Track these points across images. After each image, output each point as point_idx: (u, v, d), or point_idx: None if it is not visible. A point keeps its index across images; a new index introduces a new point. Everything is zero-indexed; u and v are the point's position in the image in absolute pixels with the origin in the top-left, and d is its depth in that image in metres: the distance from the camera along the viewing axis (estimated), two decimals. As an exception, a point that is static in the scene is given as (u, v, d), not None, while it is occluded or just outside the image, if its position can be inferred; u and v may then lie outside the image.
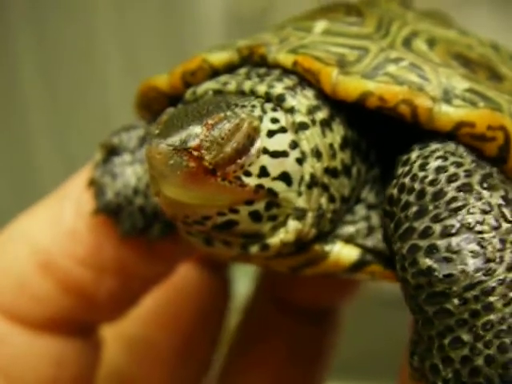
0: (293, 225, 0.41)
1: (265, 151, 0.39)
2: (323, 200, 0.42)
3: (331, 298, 0.68)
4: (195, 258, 0.63)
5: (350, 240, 0.43)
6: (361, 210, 0.44)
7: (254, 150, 0.38)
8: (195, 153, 0.36)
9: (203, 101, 0.42)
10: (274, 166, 0.39)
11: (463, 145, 0.41)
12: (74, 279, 0.49)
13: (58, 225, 0.49)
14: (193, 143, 0.36)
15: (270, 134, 0.40)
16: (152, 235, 0.48)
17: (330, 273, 0.45)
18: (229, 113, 0.38)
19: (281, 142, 0.40)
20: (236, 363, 0.67)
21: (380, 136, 0.45)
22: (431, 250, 0.35)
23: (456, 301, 0.34)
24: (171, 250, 0.51)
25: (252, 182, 0.39)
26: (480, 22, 1.59)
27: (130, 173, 0.47)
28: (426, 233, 0.36)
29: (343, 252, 0.43)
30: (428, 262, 0.35)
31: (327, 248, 0.43)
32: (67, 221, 0.49)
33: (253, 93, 0.42)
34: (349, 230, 0.43)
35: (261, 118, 0.40)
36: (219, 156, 0.37)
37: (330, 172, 0.42)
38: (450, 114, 0.40)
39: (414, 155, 0.40)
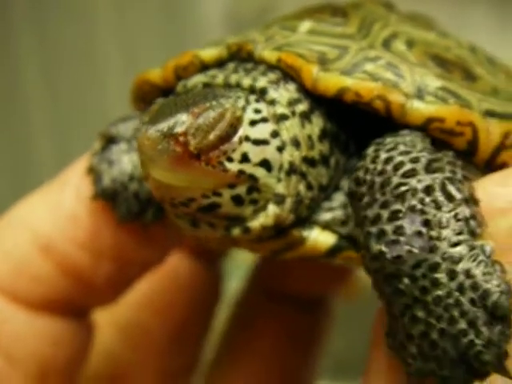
0: (272, 209, 0.43)
1: (247, 139, 0.42)
2: (301, 187, 0.44)
3: (323, 287, 0.70)
4: (189, 249, 0.65)
5: (326, 226, 0.46)
6: (339, 197, 0.47)
7: (236, 138, 0.42)
8: (181, 138, 0.39)
9: (192, 92, 0.45)
10: (255, 153, 0.42)
11: (432, 138, 0.44)
12: (73, 262, 0.51)
13: (58, 210, 0.52)
14: (179, 129, 0.39)
15: (252, 123, 0.43)
16: (146, 219, 0.51)
17: (308, 257, 0.47)
18: (214, 102, 0.41)
19: (262, 131, 0.43)
20: (228, 353, 0.69)
21: (359, 128, 0.48)
22: (380, 235, 0.37)
23: (406, 280, 0.36)
24: (165, 234, 0.53)
25: (234, 167, 0.42)
26: (476, 21, 1.59)
27: (126, 160, 0.51)
28: (375, 220, 0.38)
29: (320, 238, 0.46)
30: (378, 246, 0.37)
31: (305, 233, 0.46)
32: (67, 206, 0.51)
33: (238, 85, 0.45)
34: (326, 216, 0.46)
35: (244, 109, 0.43)
36: (203, 142, 0.40)
37: (308, 161, 0.45)
38: (421, 109, 0.43)
39: (370, 150, 0.42)
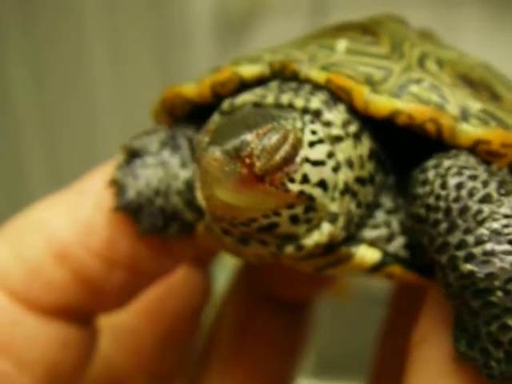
0: (326, 227, 0.44)
1: (307, 160, 0.43)
2: (352, 206, 0.46)
3: (307, 291, 0.71)
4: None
5: (373, 243, 0.47)
6: (381, 215, 0.48)
7: (298, 159, 0.42)
8: (247, 160, 0.40)
9: (246, 112, 0.46)
10: (314, 174, 0.43)
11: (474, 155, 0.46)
12: (87, 270, 0.51)
13: (76, 217, 0.51)
14: (245, 152, 0.40)
15: (311, 144, 0.44)
16: (169, 234, 0.51)
17: (350, 272, 0.49)
18: (275, 124, 0.42)
19: (320, 152, 0.44)
20: (215, 354, 0.70)
21: (391, 146, 0.50)
22: (469, 258, 0.40)
23: (500, 293, 0.39)
24: (182, 248, 0.54)
25: (295, 187, 0.42)
26: (470, 22, 1.59)
27: (151, 174, 0.51)
28: (461, 245, 0.40)
29: (367, 254, 0.47)
30: (468, 267, 0.40)
31: (352, 250, 0.47)
32: (85, 214, 0.51)
33: (290, 106, 0.46)
34: (372, 233, 0.48)
35: (302, 130, 0.44)
36: (268, 164, 0.40)
37: (360, 181, 0.46)
38: (469, 132, 0.45)
39: (431, 175, 0.44)
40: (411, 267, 0.48)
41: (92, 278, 0.51)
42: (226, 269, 0.89)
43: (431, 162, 0.45)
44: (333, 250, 0.46)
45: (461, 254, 0.40)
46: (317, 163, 0.44)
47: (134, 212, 0.50)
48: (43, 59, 1.54)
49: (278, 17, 1.70)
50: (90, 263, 0.51)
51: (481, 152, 0.46)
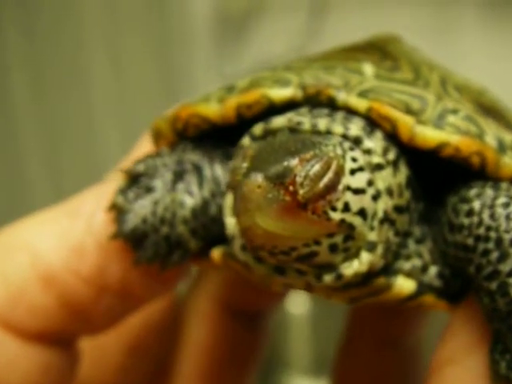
0: (365, 257, 0.44)
1: (348, 188, 0.42)
2: (390, 234, 0.45)
3: (267, 302, 0.70)
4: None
5: (409, 274, 0.47)
6: (411, 244, 0.48)
7: (340, 187, 0.42)
8: (291, 188, 0.39)
9: (284, 137, 0.44)
10: (355, 202, 0.42)
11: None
12: (74, 296, 0.49)
13: (65, 239, 0.49)
14: (289, 179, 0.39)
15: (352, 172, 0.43)
16: (170, 262, 0.50)
17: (384, 302, 0.49)
18: (317, 151, 0.41)
19: (360, 180, 0.43)
20: (177, 365, 0.69)
21: (418, 173, 0.49)
22: None
23: None
24: (175, 275, 0.53)
25: (337, 216, 0.41)
26: (466, 24, 1.59)
27: (156, 201, 0.49)
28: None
29: (404, 285, 0.46)
30: None
31: (391, 280, 0.46)
32: (75, 237, 0.49)
33: (328, 132, 0.45)
34: (408, 264, 0.47)
35: (343, 157, 0.43)
36: (311, 192, 0.40)
37: (398, 209, 0.46)
38: (510, 165, 0.46)
39: (476, 205, 0.44)
40: (443, 296, 0.48)
41: (79, 304, 0.49)
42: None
43: (473, 192, 0.45)
44: (369, 281, 0.46)
45: None
46: (357, 191, 0.43)
47: (137, 240, 0.48)
48: (43, 62, 1.54)
49: (278, 15, 1.70)
50: (78, 289, 0.49)
51: None
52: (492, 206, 0.44)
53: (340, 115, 0.46)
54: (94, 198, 0.50)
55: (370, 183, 0.44)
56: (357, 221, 0.43)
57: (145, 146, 0.62)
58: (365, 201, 0.43)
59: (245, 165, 0.41)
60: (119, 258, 0.49)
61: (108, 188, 0.51)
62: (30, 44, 1.50)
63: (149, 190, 0.49)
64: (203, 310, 0.69)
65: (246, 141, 0.46)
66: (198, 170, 0.50)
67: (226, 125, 0.49)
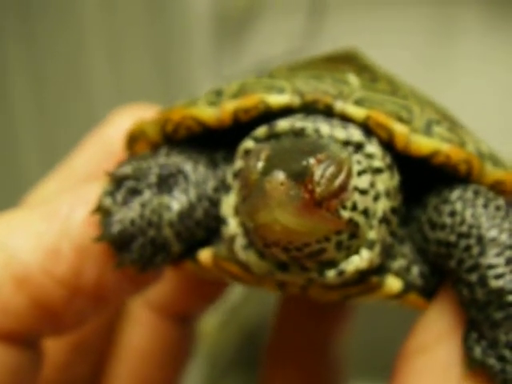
0: (366, 254, 0.46)
1: (356, 188, 0.45)
2: (386, 234, 0.48)
3: (199, 305, 0.71)
4: None
5: (397, 273, 0.50)
6: (396, 245, 0.51)
7: (350, 187, 0.44)
8: (309, 186, 0.41)
9: (293, 140, 0.47)
10: (361, 202, 0.45)
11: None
12: (47, 297, 0.49)
13: (41, 240, 0.49)
14: (308, 177, 0.41)
15: (359, 173, 0.46)
16: (154, 265, 0.50)
17: (374, 300, 0.51)
18: (330, 153, 0.44)
19: (365, 181, 0.46)
20: (112, 367, 0.69)
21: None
22: (499, 276, 0.46)
23: None
24: (150, 277, 0.53)
25: (346, 214, 0.44)
26: (468, 23, 1.59)
27: (143, 204, 0.49)
28: (491, 265, 0.46)
29: (393, 283, 0.49)
30: (499, 283, 0.45)
31: (382, 279, 0.49)
32: (51, 238, 0.49)
33: (330, 137, 0.47)
34: (395, 263, 0.50)
35: (350, 160, 0.46)
36: (327, 190, 0.42)
37: (393, 210, 0.48)
38: (493, 173, 0.50)
39: (458, 206, 0.48)
40: (422, 294, 0.51)
41: (51, 305, 0.49)
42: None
43: (455, 194, 0.49)
44: (365, 279, 0.48)
45: (491, 273, 0.46)
46: (363, 192, 0.46)
47: (124, 242, 0.49)
48: (42, 63, 1.54)
49: (276, 16, 1.70)
50: (52, 290, 0.48)
51: (495, 190, 0.50)
52: (473, 207, 0.48)
53: (336, 122, 0.48)
54: (71, 199, 0.50)
55: (372, 185, 0.46)
56: (361, 219, 0.45)
57: (88, 148, 0.62)
58: (368, 201, 0.46)
59: (261, 164, 0.42)
60: (96, 261, 0.49)
61: (85, 190, 0.51)
62: (30, 43, 1.50)
63: (136, 192, 0.49)
64: (137, 311, 0.69)
65: (249, 143, 0.48)
66: (183, 173, 0.51)
67: (217, 128, 0.50)
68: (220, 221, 0.49)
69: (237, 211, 0.48)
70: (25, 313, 0.48)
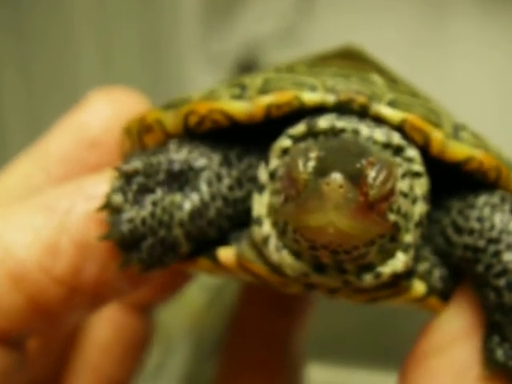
0: (401, 257, 0.46)
1: (400, 192, 0.45)
2: (418, 238, 0.48)
3: (158, 296, 0.69)
4: None
5: (421, 277, 0.50)
6: (420, 248, 0.50)
7: (397, 190, 0.44)
8: (364, 189, 0.41)
9: (338, 140, 0.46)
10: (404, 205, 0.45)
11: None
12: (44, 295, 0.46)
13: (38, 236, 0.46)
14: (364, 180, 0.41)
15: (402, 177, 0.46)
16: (163, 265, 0.49)
17: (398, 303, 0.51)
18: (381, 156, 0.44)
19: (406, 185, 0.46)
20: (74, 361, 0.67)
21: None
22: None
23: None
24: (151, 277, 0.51)
25: (392, 218, 0.44)
26: (466, 21, 1.59)
27: (155, 202, 0.48)
28: None
29: (418, 287, 0.49)
30: None
31: (410, 282, 0.49)
32: (49, 234, 0.46)
33: (369, 139, 0.47)
34: (421, 267, 0.50)
35: None
36: (379, 194, 0.41)
37: (426, 215, 0.48)
38: None
39: (486, 212, 0.49)
40: (442, 297, 0.51)
41: (47, 304, 0.47)
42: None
43: (482, 200, 0.49)
44: (397, 282, 0.48)
45: None
46: (405, 195, 0.45)
47: (133, 241, 0.47)
48: (31, 53, 1.52)
49: (265, 0, 1.68)
50: (49, 289, 0.46)
51: None
52: (502, 212, 0.48)
53: (371, 123, 0.48)
54: (71, 193, 0.48)
55: (411, 189, 0.46)
56: (402, 222, 0.45)
57: (64, 131, 0.59)
58: (407, 204, 0.46)
59: (312, 164, 0.41)
60: (97, 259, 0.47)
61: (87, 183, 0.48)
62: (18, 33, 1.48)
63: (147, 190, 0.48)
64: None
65: (286, 142, 0.47)
66: (196, 170, 0.49)
67: (245, 123, 0.48)
68: (232, 221, 0.49)
69: (270, 212, 0.47)
70: (19, 311, 0.46)
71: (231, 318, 0.73)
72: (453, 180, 0.51)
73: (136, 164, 0.48)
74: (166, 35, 1.59)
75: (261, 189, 0.48)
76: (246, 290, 0.72)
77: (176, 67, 1.57)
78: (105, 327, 0.66)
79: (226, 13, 1.67)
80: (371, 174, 0.41)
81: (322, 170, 0.41)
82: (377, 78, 0.51)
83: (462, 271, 0.51)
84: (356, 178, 0.40)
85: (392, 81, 0.52)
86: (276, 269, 0.47)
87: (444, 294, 0.51)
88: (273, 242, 0.46)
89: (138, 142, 0.52)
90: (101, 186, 0.48)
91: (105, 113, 0.59)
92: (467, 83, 1.46)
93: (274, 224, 0.46)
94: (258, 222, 0.47)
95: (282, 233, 0.45)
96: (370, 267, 0.45)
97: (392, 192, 0.42)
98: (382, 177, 0.41)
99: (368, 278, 0.45)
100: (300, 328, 0.73)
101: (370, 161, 0.42)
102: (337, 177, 0.40)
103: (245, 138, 0.51)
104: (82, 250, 0.47)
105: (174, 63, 1.59)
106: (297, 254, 0.45)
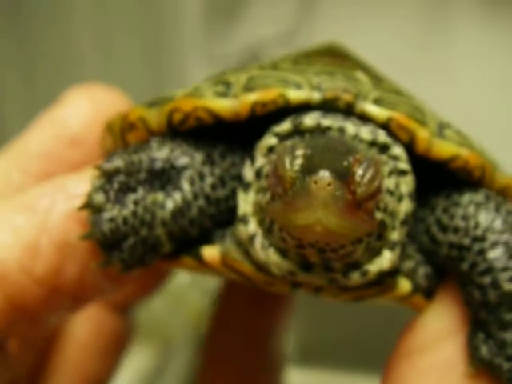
0: (388, 255, 0.46)
1: (387, 190, 0.45)
2: (404, 236, 0.47)
3: (137, 296, 0.69)
4: None
5: (407, 275, 0.50)
6: (405, 246, 0.50)
7: (383, 188, 0.43)
8: (352, 187, 0.40)
9: (325, 138, 0.45)
10: (390, 203, 0.45)
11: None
12: (26, 297, 0.46)
13: (18, 236, 0.46)
14: (352, 178, 0.40)
15: (388, 175, 0.46)
16: (140, 265, 0.48)
17: (383, 301, 0.51)
18: (368, 154, 0.43)
19: (392, 183, 0.46)
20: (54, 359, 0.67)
21: None
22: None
23: None
24: (132, 277, 0.50)
25: (379, 216, 0.44)
26: (467, 25, 1.59)
27: (136, 201, 0.47)
28: (505, 268, 0.47)
29: (404, 285, 0.49)
30: (511, 285, 0.46)
31: (396, 281, 0.49)
32: (29, 234, 0.46)
33: (355, 137, 0.46)
34: (406, 265, 0.50)
35: None
36: (366, 192, 0.41)
37: (412, 213, 0.48)
38: (503, 178, 0.51)
39: (471, 210, 0.49)
40: (426, 295, 0.51)
41: (28, 305, 0.46)
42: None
43: (466, 198, 0.49)
44: (383, 280, 0.48)
45: (504, 276, 0.47)
46: (391, 193, 0.45)
47: (114, 241, 0.47)
48: (33, 61, 1.52)
49: (267, 3, 1.68)
50: (29, 290, 0.46)
51: (504, 194, 0.51)
52: (486, 210, 0.49)
53: (357, 121, 0.47)
54: (52, 192, 0.47)
55: (397, 187, 0.46)
56: (388, 220, 0.45)
57: (42, 128, 0.59)
58: (393, 202, 0.45)
59: (298, 162, 0.41)
60: (78, 259, 0.46)
61: (67, 182, 0.48)
62: (18, 32, 1.48)
63: (129, 188, 0.47)
64: None
65: (271, 140, 0.47)
66: (178, 169, 0.48)
67: (230, 121, 0.48)
68: (215, 219, 0.49)
69: (256, 210, 0.46)
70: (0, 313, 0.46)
71: (212, 316, 0.73)
72: (437, 178, 0.51)
73: (117, 163, 0.47)
74: (169, 38, 1.59)
75: (246, 187, 0.47)
76: (228, 287, 0.71)
77: (178, 70, 1.58)
78: (84, 326, 0.65)
79: (228, 16, 1.67)
80: (359, 171, 0.41)
81: (309, 168, 0.40)
82: (361, 76, 0.51)
83: (445, 269, 0.51)
84: (344, 176, 0.40)
85: (376, 78, 0.51)
86: (262, 267, 0.47)
87: (428, 292, 0.51)
88: (259, 241, 0.46)
89: (120, 140, 0.52)
90: (82, 184, 0.47)
91: (84, 110, 0.58)
92: (470, 87, 1.45)
93: (260, 222, 0.46)
94: (244, 220, 0.47)
95: (267, 231, 0.45)
96: (356, 265, 0.45)
97: (379, 190, 0.42)
98: (369, 175, 0.41)
99: (355, 277, 0.45)
100: (281, 327, 0.72)
101: (357, 158, 0.41)
102: (325, 175, 0.40)
103: (227, 137, 0.50)
104: (62, 249, 0.46)
105: (176, 66, 1.59)
106: (283, 253, 0.45)
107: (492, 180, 0.50)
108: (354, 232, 0.41)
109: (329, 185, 0.39)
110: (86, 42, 1.52)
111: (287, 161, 0.41)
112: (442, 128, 0.49)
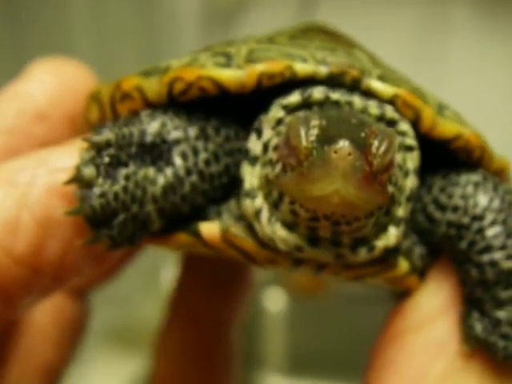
0: (394, 231, 0.45)
1: (397, 164, 0.44)
2: (408, 212, 0.47)
3: (94, 280, 0.66)
4: None
5: (405, 254, 0.49)
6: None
7: (395, 162, 0.43)
8: (369, 158, 0.40)
9: (335, 110, 0.45)
10: (398, 177, 0.44)
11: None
12: (4, 277, 0.43)
13: None
14: (369, 149, 0.40)
15: (398, 149, 0.45)
16: (129, 242, 0.46)
17: (379, 281, 0.50)
18: (381, 127, 0.43)
19: (400, 158, 0.45)
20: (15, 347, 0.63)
21: None
22: (510, 257, 0.47)
23: None
24: (115, 256, 0.48)
25: (391, 189, 0.43)
26: (463, 21, 1.59)
27: (127, 176, 0.45)
28: (503, 246, 0.47)
29: (403, 264, 0.49)
30: (510, 264, 0.47)
31: (396, 260, 0.48)
32: (8, 210, 0.43)
33: (363, 111, 0.46)
34: (404, 244, 0.49)
35: None
36: (382, 163, 0.40)
37: (415, 190, 0.47)
38: (499, 160, 0.51)
39: (470, 189, 0.49)
40: (420, 274, 0.51)
41: (7, 287, 0.43)
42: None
43: (464, 178, 0.50)
44: (385, 259, 0.47)
45: (502, 254, 0.47)
46: (400, 167, 0.45)
47: (104, 218, 0.44)
48: (32, 59, 1.53)
49: (267, 8, 1.69)
50: (10, 270, 0.43)
51: (498, 175, 0.51)
52: (484, 190, 0.49)
53: (359, 96, 0.47)
54: (32, 165, 0.44)
55: (404, 162, 0.46)
56: (397, 195, 0.45)
57: (6, 101, 0.55)
58: (400, 177, 0.45)
59: (314, 132, 0.40)
60: (61, 236, 0.43)
61: (49, 155, 0.45)
62: (13, 16, 1.47)
63: (120, 163, 0.45)
64: None
65: (279, 112, 0.45)
66: (170, 143, 0.46)
67: (235, 92, 0.46)
68: (207, 196, 0.47)
69: (262, 184, 0.45)
70: None
71: (169, 300, 0.70)
72: (433, 158, 0.50)
73: (108, 135, 0.45)
74: (166, 40, 1.59)
75: (253, 161, 0.46)
76: (185, 270, 0.69)
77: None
78: (41, 311, 0.63)
79: (227, 18, 1.67)
80: (375, 143, 0.40)
81: (326, 138, 0.40)
82: (360, 54, 0.50)
83: (439, 249, 0.51)
84: (362, 147, 0.40)
85: (372, 57, 0.51)
86: (265, 244, 0.45)
87: (421, 272, 0.51)
88: (265, 215, 0.44)
89: (109, 112, 0.49)
90: (65, 158, 0.45)
91: (50, 84, 0.55)
92: (465, 97, 1.46)
93: (266, 196, 0.45)
94: (251, 194, 0.45)
95: (274, 205, 0.44)
96: (364, 241, 0.44)
97: (392, 163, 0.42)
98: (383, 147, 0.41)
99: (362, 252, 0.44)
100: (237, 313, 0.70)
101: (373, 130, 0.41)
102: (345, 144, 0.39)
103: (219, 111, 0.48)
104: (44, 226, 0.43)
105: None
106: (290, 227, 0.44)
107: (489, 161, 0.50)
108: (369, 204, 0.41)
109: (349, 154, 0.39)
110: (84, 46, 1.52)
111: (302, 131, 0.41)
112: (441, 108, 0.48)
